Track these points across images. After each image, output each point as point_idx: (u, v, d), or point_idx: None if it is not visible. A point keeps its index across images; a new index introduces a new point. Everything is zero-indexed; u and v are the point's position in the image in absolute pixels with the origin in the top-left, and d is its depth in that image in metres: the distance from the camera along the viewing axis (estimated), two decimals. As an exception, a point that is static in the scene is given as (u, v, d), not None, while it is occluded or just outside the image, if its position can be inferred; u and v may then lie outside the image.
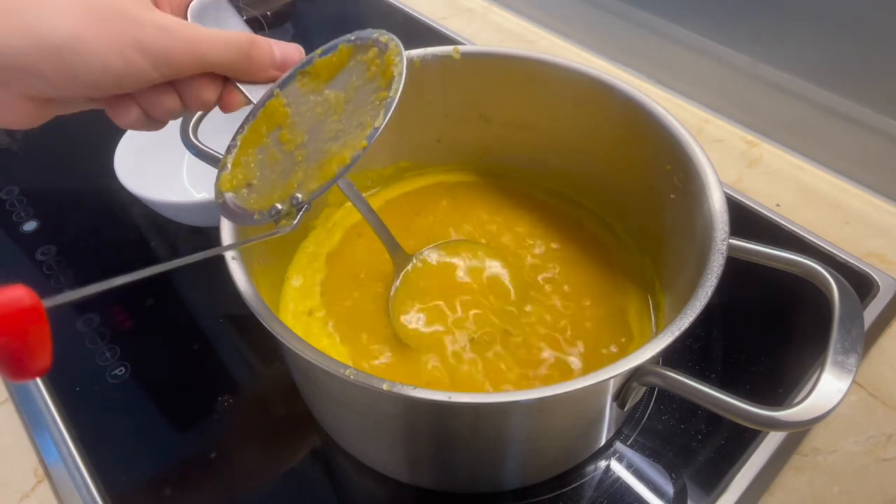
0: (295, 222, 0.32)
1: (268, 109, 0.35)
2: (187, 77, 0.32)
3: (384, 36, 0.34)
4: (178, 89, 0.33)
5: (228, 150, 0.36)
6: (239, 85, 0.34)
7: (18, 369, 0.16)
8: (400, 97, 0.31)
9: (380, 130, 0.31)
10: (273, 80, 0.35)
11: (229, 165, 0.35)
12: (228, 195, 0.35)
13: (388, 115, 0.31)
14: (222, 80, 0.34)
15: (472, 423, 0.35)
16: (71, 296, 0.21)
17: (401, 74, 0.32)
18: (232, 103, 0.35)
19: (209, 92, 0.34)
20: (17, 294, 0.16)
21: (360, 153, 0.31)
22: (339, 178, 0.32)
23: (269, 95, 0.35)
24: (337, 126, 0.33)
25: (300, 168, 0.34)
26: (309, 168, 0.33)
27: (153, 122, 0.35)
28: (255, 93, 0.35)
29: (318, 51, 0.36)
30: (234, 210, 0.34)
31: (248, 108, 0.36)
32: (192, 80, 0.33)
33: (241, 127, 0.36)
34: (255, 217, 0.33)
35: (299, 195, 0.32)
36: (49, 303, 0.18)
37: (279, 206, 0.33)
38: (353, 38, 0.35)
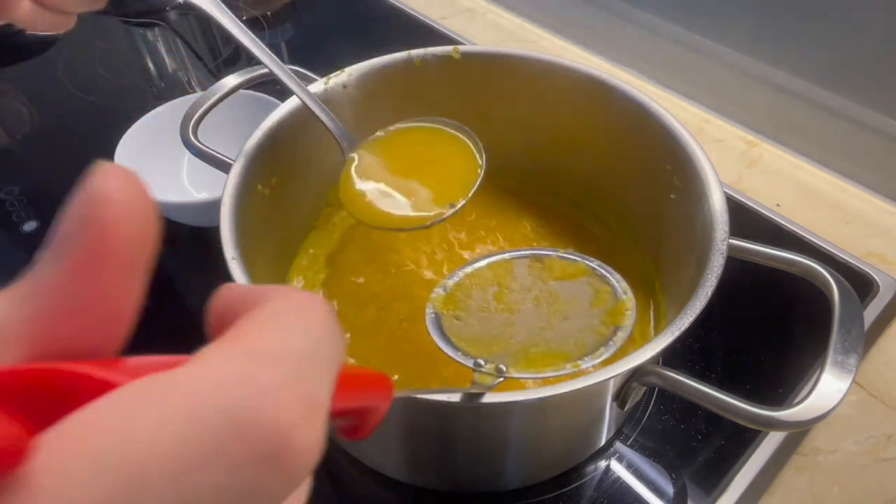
0: (491, 384, 0.32)
1: (497, 265, 0.37)
2: None
3: (624, 287, 0.36)
4: None
5: (452, 275, 0.38)
6: None
7: (353, 435, 0.18)
8: (616, 351, 0.33)
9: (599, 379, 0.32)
10: None
11: (449, 287, 0.37)
12: (434, 312, 0.36)
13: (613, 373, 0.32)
14: None
15: (472, 423, 0.35)
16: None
17: (627, 329, 0.34)
18: None
19: None
20: (385, 379, 0.17)
21: (571, 371, 0.33)
22: (545, 378, 0.33)
23: (505, 254, 0.37)
24: (543, 324, 0.36)
25: (501, 340, 0.35)
26: (511, 346, 0.35)
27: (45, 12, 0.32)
28: None
29: (560, 251, 0.38)
30: (440, 331, 0.35)
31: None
32: None
33: (472, 264, 0.38)
34: (460, 354, 0.34)
35: (504, 367, 0.33)
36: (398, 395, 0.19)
37: (482, 361, 0.33)
38: (594, 264, 0.37)
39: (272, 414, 0.10)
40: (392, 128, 0.45)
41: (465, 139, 0.43)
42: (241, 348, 0.11)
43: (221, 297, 0.13)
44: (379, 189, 0.42)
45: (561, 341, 0.34)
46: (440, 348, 0.34)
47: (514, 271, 0.37)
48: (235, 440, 0.09)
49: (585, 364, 0.33)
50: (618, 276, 0.36)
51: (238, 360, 0.11)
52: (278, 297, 0.13)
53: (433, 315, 0.36)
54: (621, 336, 0.34)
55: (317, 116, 0.43)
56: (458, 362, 0.33)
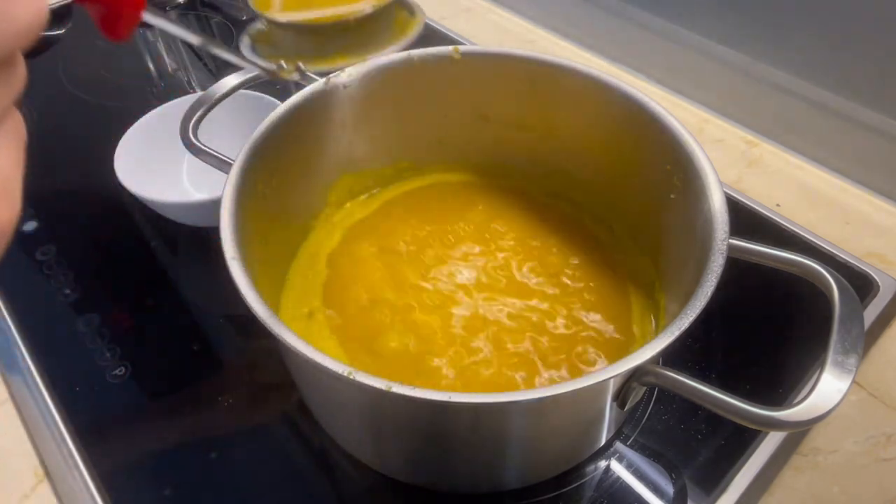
0: (289, 78, 0.43)
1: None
2: None
3: (422, 10, 0.49)
4: None
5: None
6: None
7: (110, 32, 0.22)
8: (398, 50, 0.45)
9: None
10: None
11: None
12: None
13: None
14: None
15: (471, 423, 0.35)
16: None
17: (412, 35, 0.47)
18: None
19: None
20: None
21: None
22: (335, 69, 0.45)
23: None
24: (347, 41, 0.47)
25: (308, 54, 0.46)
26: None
27: None
28: None
29: None
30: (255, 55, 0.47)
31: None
32: None
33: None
34: (263, 61, 0.43)
35: (302, 65, 0.44)
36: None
37: (284, 64, 0.43)
38: None
39: None
40: None
41: None
42: None
43: None
44: None
45: (358, 47, 0.47)
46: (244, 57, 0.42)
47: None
48: None
49: (371, 56, 0.42)
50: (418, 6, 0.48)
51: None
52: None
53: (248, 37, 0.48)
54: (404, 41, 0.46)
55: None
56: (261, 67, 0.41)
